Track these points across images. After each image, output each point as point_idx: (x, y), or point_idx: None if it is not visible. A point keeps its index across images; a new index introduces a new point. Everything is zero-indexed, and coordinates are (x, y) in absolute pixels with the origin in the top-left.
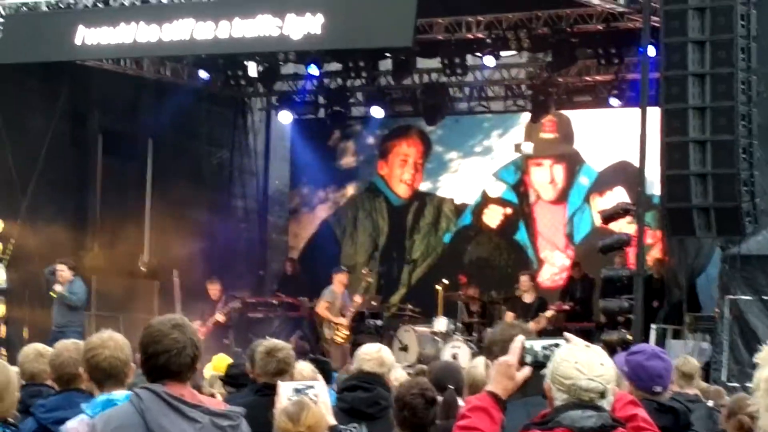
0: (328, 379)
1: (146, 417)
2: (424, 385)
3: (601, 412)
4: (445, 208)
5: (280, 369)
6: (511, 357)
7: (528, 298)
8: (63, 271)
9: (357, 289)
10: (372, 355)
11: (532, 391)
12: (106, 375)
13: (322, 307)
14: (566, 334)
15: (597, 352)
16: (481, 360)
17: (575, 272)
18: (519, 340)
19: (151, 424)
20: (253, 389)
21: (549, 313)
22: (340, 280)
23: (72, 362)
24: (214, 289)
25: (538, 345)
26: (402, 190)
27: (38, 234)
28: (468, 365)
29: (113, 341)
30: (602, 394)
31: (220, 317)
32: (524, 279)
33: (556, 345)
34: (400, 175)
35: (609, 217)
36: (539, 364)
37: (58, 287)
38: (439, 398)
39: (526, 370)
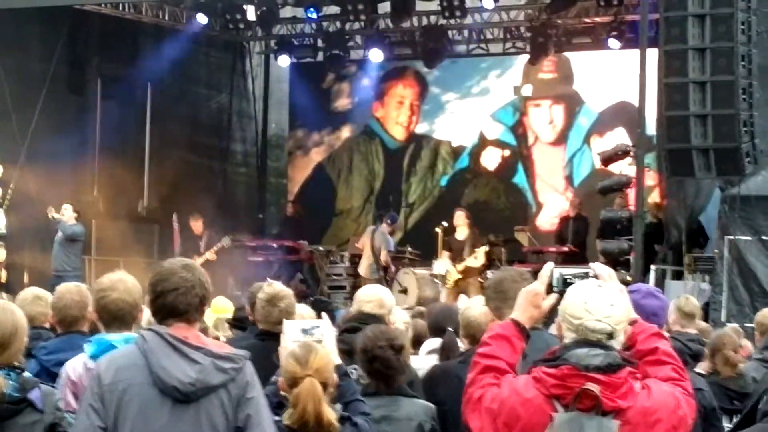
0: (332, 319)
1: (149, 358)
2: (389, 334)
3: (609, 351)
4: (442, 151)
5: (281, 318)
6: (539, 285)
7: (461, 234)
8: (66, 209)
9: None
10: (372, 296)
11: None
12: (112, 317)
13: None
14: (592, 264)
15: (609, 291)
16: (473, 301)
17: (572, 210)
18: (548, 268)
19: (153, 365)
20: (253, 332)
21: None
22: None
23: (74, 305)
24: (196, 225)
25: (566, 273)
26: (398, 133)
27: (38, 179)
28: (462, 307)
29: (123, 284)
30: (610, 335)
31: (210, 256)
32: (459, 214)
33: (585, 274)
34: (396, 117)
35: (608, 158)
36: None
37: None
38: (439, 340)
39: (552, 298)
